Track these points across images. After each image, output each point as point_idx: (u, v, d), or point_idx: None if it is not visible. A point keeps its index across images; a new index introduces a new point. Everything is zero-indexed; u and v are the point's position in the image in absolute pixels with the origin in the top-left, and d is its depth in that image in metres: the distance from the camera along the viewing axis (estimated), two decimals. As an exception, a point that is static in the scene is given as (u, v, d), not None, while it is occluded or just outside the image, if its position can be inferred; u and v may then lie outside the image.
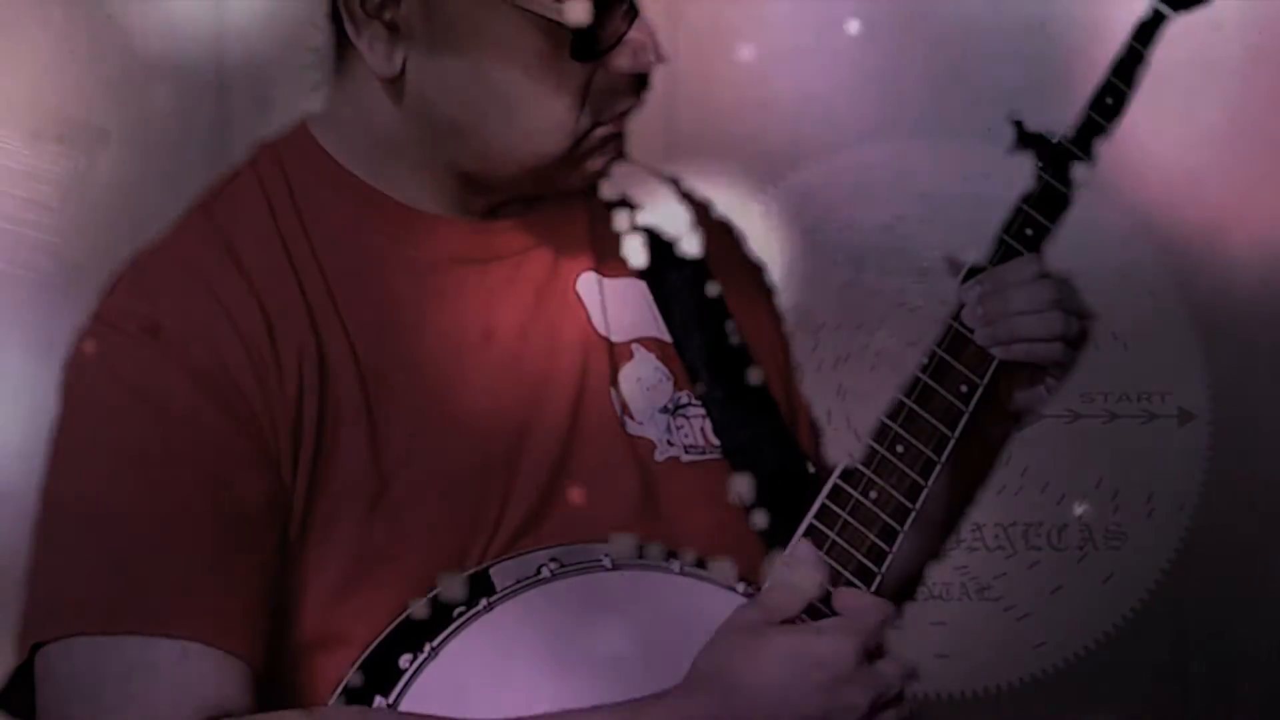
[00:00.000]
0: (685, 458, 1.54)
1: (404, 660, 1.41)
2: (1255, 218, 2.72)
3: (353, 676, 1.42)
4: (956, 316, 1.56)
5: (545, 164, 1.46)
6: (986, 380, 1.54)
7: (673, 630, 1.44)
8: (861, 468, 1.51)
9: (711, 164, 2.63)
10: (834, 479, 1.50)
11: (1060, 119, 1.61)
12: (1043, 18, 2.68)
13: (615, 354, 1.55)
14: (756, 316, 1.64)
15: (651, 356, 1.56)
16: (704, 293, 1.60)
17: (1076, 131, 1.59)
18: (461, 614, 1.42)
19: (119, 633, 1.37)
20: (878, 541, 1.49)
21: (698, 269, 1.60)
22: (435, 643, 1.40)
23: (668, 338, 1.58)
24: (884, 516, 1.50)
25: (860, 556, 1.49)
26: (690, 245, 1.61)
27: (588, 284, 1.56)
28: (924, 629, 2.63)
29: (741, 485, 1.54)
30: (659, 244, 1.60)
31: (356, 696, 1.42)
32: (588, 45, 1.42)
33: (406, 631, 1.42)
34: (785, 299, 1.72)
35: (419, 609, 1.42)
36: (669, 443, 1.54)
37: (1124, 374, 2.70)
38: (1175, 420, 2.72)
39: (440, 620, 1.42)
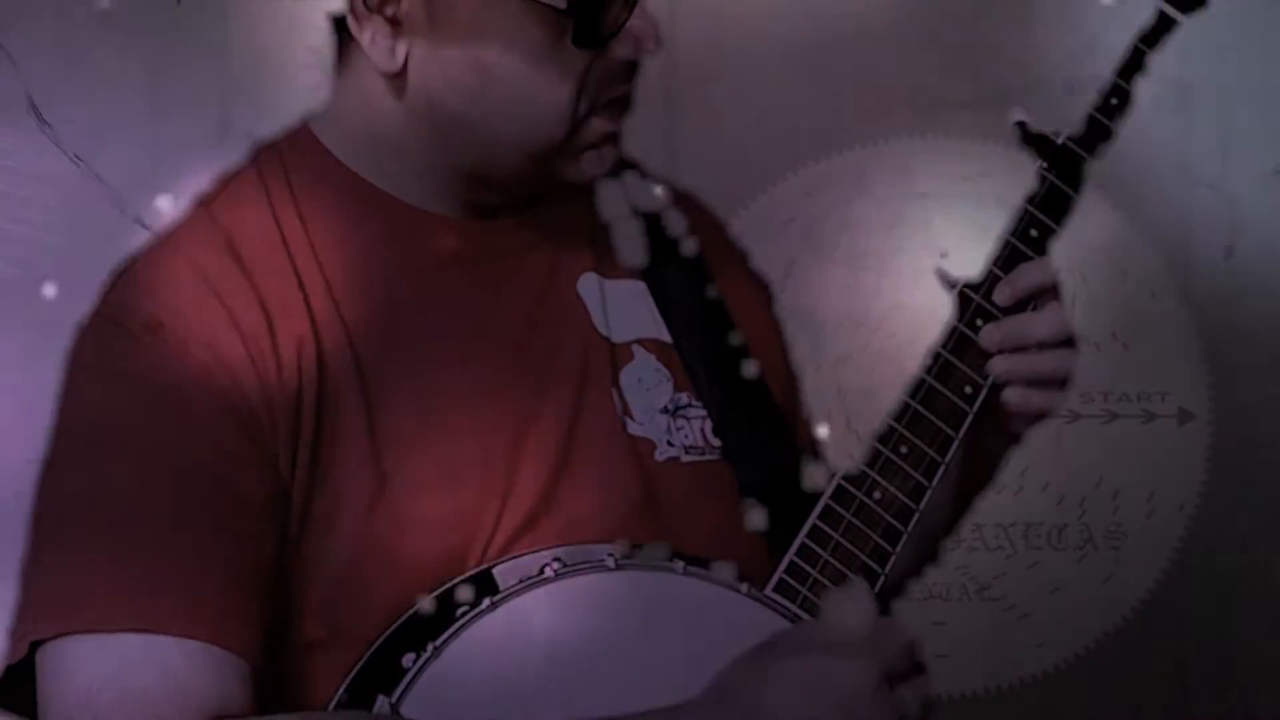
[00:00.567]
0: (685, 458, 1.54)
1: (407, 659, 1.40)
2: (1255, 217, 2.72)
3: (354, 675, 1.42)
4: (960, 318, 1.55)
5: (545, 153, 1.46)
6: (990, 381, 1.54)
7: (676, 631, 1.43)
8: (865, 468, 1.51)
9: (712, 164, 2.63)
10: (837, 479, 1.51)
11: (1062, 119, 1.61)
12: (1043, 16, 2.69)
13: (616, 354, 1.55)
14: (755, 318, 1.64)
15: (652, 357, 1.56)
16: (703, 294, 1.60)
17: (1081, 132, 1.58)
18: (465, 613, 1.42)
19: (118, 630, 1.37)
20: (881, 542, 1.50)
21: (697, 270, 1.61)
22: (438, 642, 1.40)
23: (668, 338, 1.58)
24: (888, 517, 1.50)
25: (864, 557, 1.49)
26: (689, 246, 1.61)
27: (588, 284, 1.56)
28: (924, 629, 2.62)
29: (757, 518, 1.54)
30: (658, 245, 1.60)
31: (358, 695, 1.42)
32: (590, 33, 1.42)
33: (409, 630, 1.42)
34: (785, 299, 1.72)
35: (425, 604, 1.42)
36: (669, 443, 1.54)
37: (1124, 374, 2.70)
38: (1175, 420, 2.72)
39: (444, 619, 1.42)
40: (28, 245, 2.48)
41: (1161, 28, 1.59)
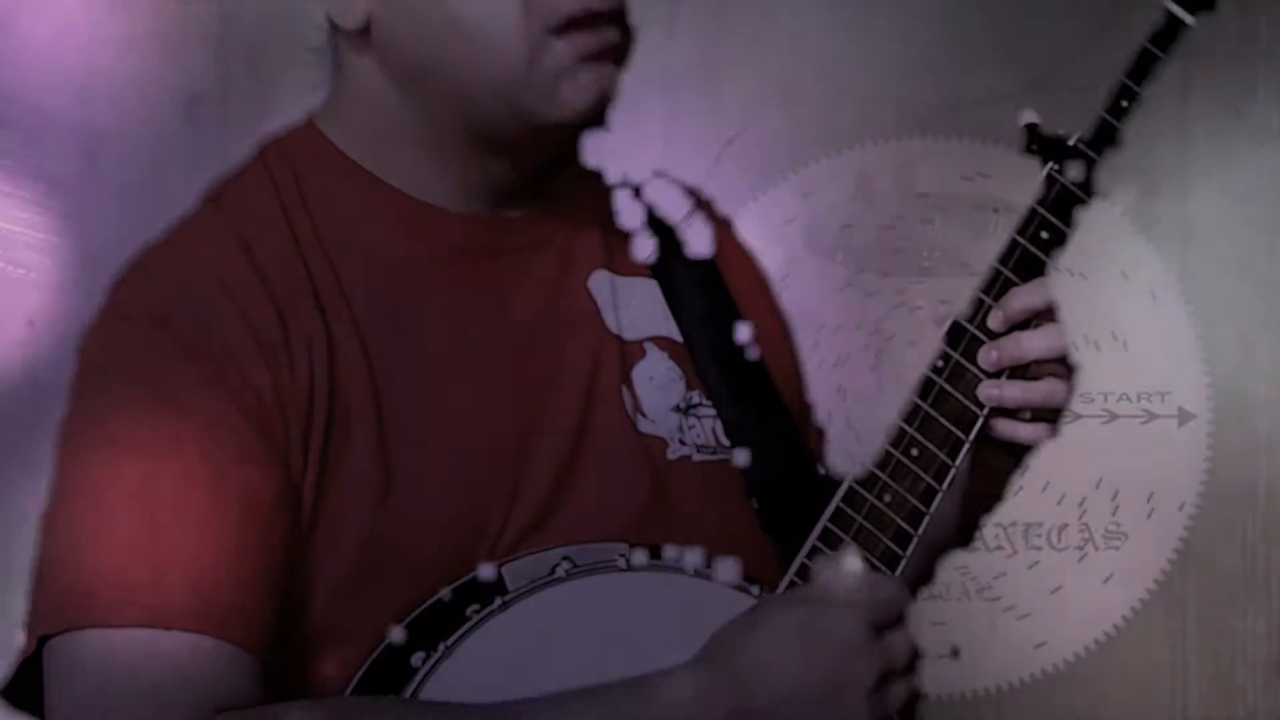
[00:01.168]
0: (697, 457, 1.54)
1: (416, 659, 1.40)
2: (1255, 217, 2.72)
3: (363, 673, 1.42)
4: (970, 319, 1.54)
5: (514, 88, 1.44)
6: (1004, 380, 1.53)
7: (686, 633, 1.43)
8: (876, 471, 1.51)
9: (712, 164, 2.63)
10: (848, 482, 1.50)
11: (1065, 119, 1.61)
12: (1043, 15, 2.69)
13: (627, 352, 1.54)
14: (764, 321, 1.64)
15: (664, 355, 1.56)
16: (714, 293, 1.60)
17: (1092, 134, 1.57)
18: (476, 612, 1.41)
19: (126, 625, 1.36)
20: (891, 545, 1.49)
21: (708, 269, 1.60)
22: (449, 642, 1.40)
23: (679, 337, 1.57)
24: (898, 520, 1.50)
25: (874, 560, 1.49)
26: (699, 245, 1.61)
27: (600, 281, 1.55)
28: (924, 629, 2.62)
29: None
30: (669, 243, 1.60)
31: (367, 694, 1.41)
32: None
33: (418, 628, 1.42)
34: (785, 299, 1.72)
35: (441, 598, 1.43)
36: (680, 442, 1.54)
37: (1124, 374, 2.71)
38: (1175, 420, 2.72)
39: (454, 619, 1.41)
40: (28, 245, 2.48)
41: (1171, 29, 1.58)
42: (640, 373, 1.54)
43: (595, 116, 1.47)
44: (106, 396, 1.42)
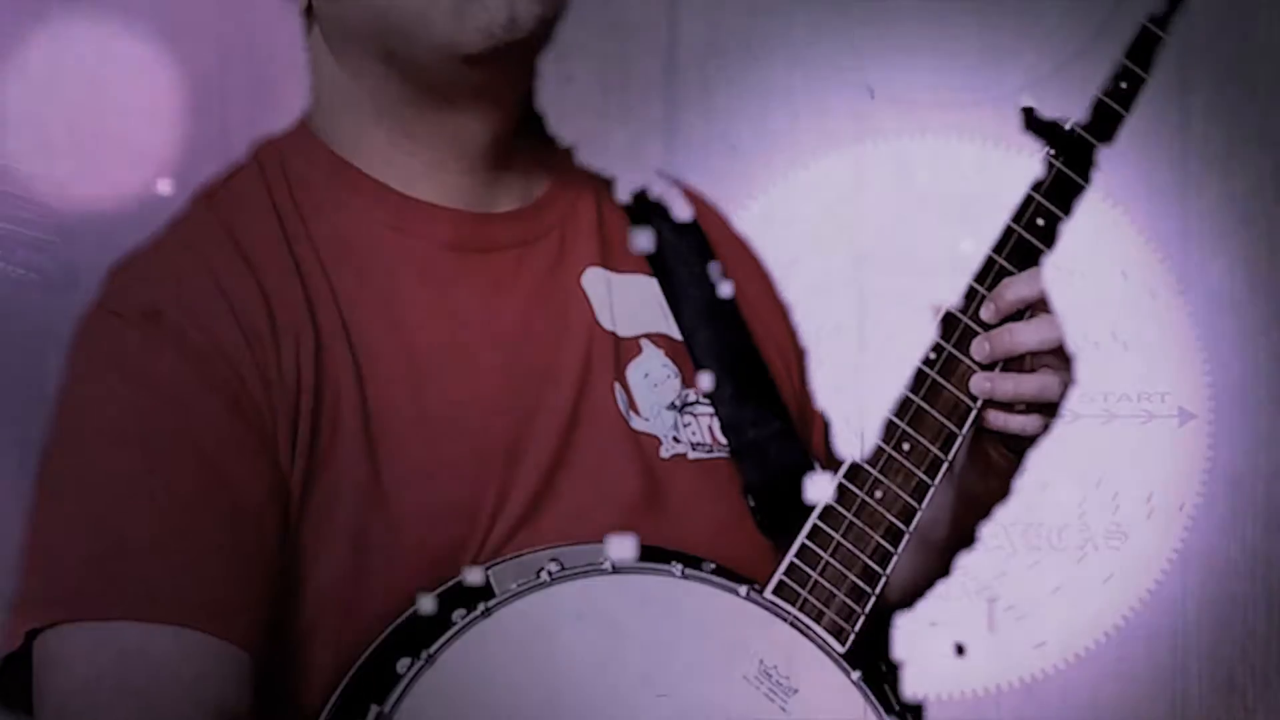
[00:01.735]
0: (692, 455, 1.53)
1: (401, 664, 1.40)
2: (1255, 217, 2.72)
3: (349, 679, 1.42)
4: (963, 309, 1.53)
5: (424, 19, 1.43)
6: (997, 372, 1.52)
7: (673, 635, 1.43)
8: (866, 466, 1.49)
9: (712, 164, 2.63)
10: (838, 479, 1.49)
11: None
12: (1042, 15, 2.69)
13: (622, 349, 1.54)
14: (766, 316, 1.63)
15: (660, 352, 1.56)
16: (714, 290, 1.59)
17: (1090, 118, 1.54)
18: (461, 617, 1.41)
19: (115, 619, 1.37)
20: (883, 543, 1.48)
21: (708, 266, 1.60)
22: (432, 650, 1.39)
23: (677, 334, 1.57)
24: (889, 517, 1.48)
25: (865, 558, 1.48)
26: (699, 242, 1.61)
27: (594, 278, 1.55)
28: (924, 629, 2.62)
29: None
30: (668, 240, 1.60)
31: (352, 697, 1.41)
32: None
33: (404, 633, 1.42)
34: (786, 299, 1.72)
35: (424, 604, 1.42)
36: (675, 440, 1.54)
37: (1124, 374, 2.70)
38: (1175, 420, 2.72)
39: (439, 625, 1.41)
40: (28, 245, 2.48)
41: (1171, 8, 1.55)
42: (634, 370, 1.54)
43: (523, 43, 1.45)
44: (96, 391, 1.42)
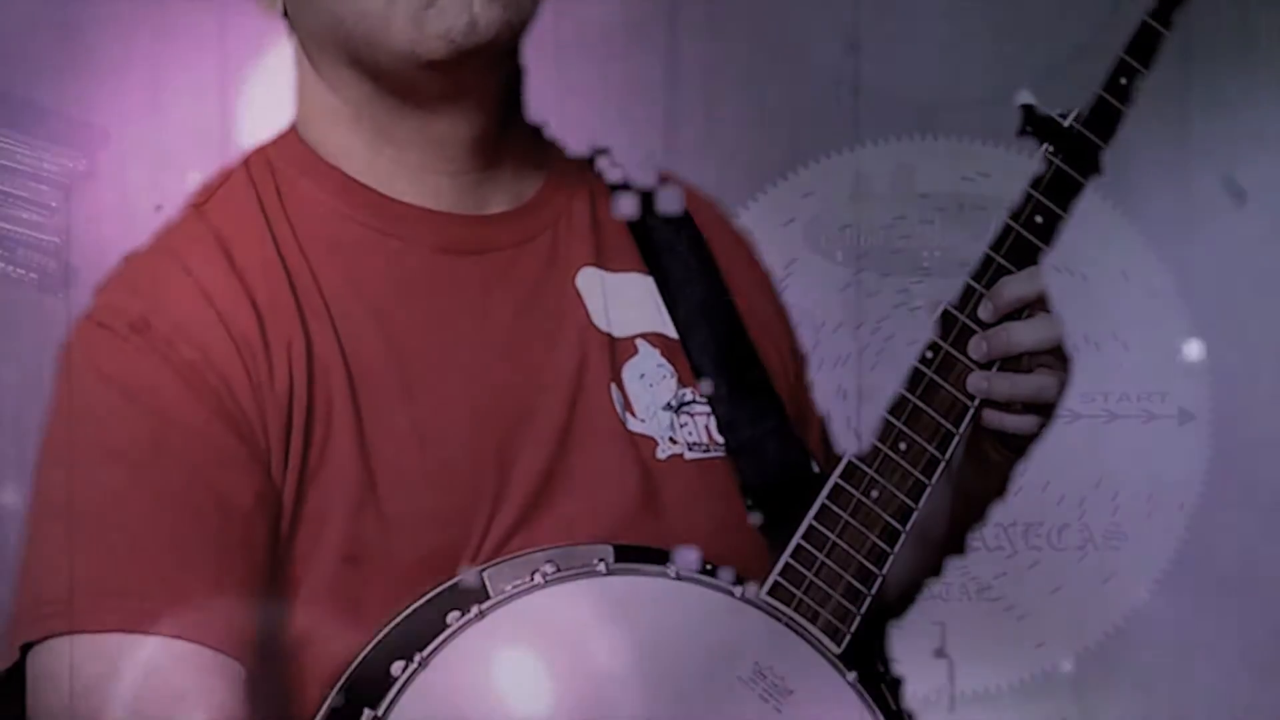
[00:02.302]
0: (689, 455, 1.53)
1: (395, 667, 1.39)
2: (1255, 217, 2.72)
3: (343, 682, 1.42)
4: (961, 307, 1.52)
5: (384, 28, 1.43)
6: (993, 372, 1.51)
7: (668, 636, 1.43)
8: (863, 465, 1.49)
9: (712, 164, 2.63)
10: (834, 478, 1.49)
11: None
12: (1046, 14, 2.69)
13: (617, 350, 1.54)
14: (762, 314, 1.63)
15: (656, 352, 1.55)
16: (711, 289, 1.59)
17: (1090, 114, 1.53)
18: (453, 620, 1.41)
19: (105, 630, 1.37)
20: (879, 542, 1.47)
21: (704, 265, 1.60)
22: (425, 653, 1.39)
23: (673, 334, 1.56)
24: (886, 517, 1.48)
25: (861, 558, 1.47)
26: (696, 240, 1.60)
27: (588, 278, 1.55)
28: (924, 629, 2.62)
29: (758, 518, 1.52)
30: (665, 239, 1.59)
31: (348, 699, 1.41)
32: None
33: (399, 636, 1.41)
34: (785, 299, 1.72)
35: (416, 607, 1.42)
36: (672, 440, 1.53)
37: (1124, 374, 2.70)
38: (1175, 420, 2.72)
39: (432, 628, 1.40)
40: (28, 245, 2.48)
41: (1172, 4, 1.54)
42: (630, 370, 1.54)
43: (486, 48, 1.44)
44: (86, 402, 1.42)
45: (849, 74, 2.68)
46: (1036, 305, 1.52)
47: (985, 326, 1.51)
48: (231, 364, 1.41)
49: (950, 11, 2.69)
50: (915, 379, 1.51)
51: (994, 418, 1.52)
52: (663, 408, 1.54)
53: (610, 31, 2.59)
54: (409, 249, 1.50)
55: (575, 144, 1.62)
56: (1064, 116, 1.53)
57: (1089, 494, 2.72)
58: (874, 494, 1.48)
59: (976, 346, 1.51)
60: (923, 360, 1.51)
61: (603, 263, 1.56)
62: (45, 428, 1.44)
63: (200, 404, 1.40)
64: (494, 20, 1.43)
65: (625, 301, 1.55)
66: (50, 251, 2.47)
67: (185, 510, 1.39)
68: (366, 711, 1.37)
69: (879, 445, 1.49)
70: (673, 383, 1.55)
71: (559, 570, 1.42)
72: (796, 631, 1.45)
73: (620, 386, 1.52)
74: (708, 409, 1.56)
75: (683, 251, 1.59)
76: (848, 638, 1.46)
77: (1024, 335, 1.51)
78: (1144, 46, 1.53)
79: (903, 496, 1.48)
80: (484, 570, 1.43)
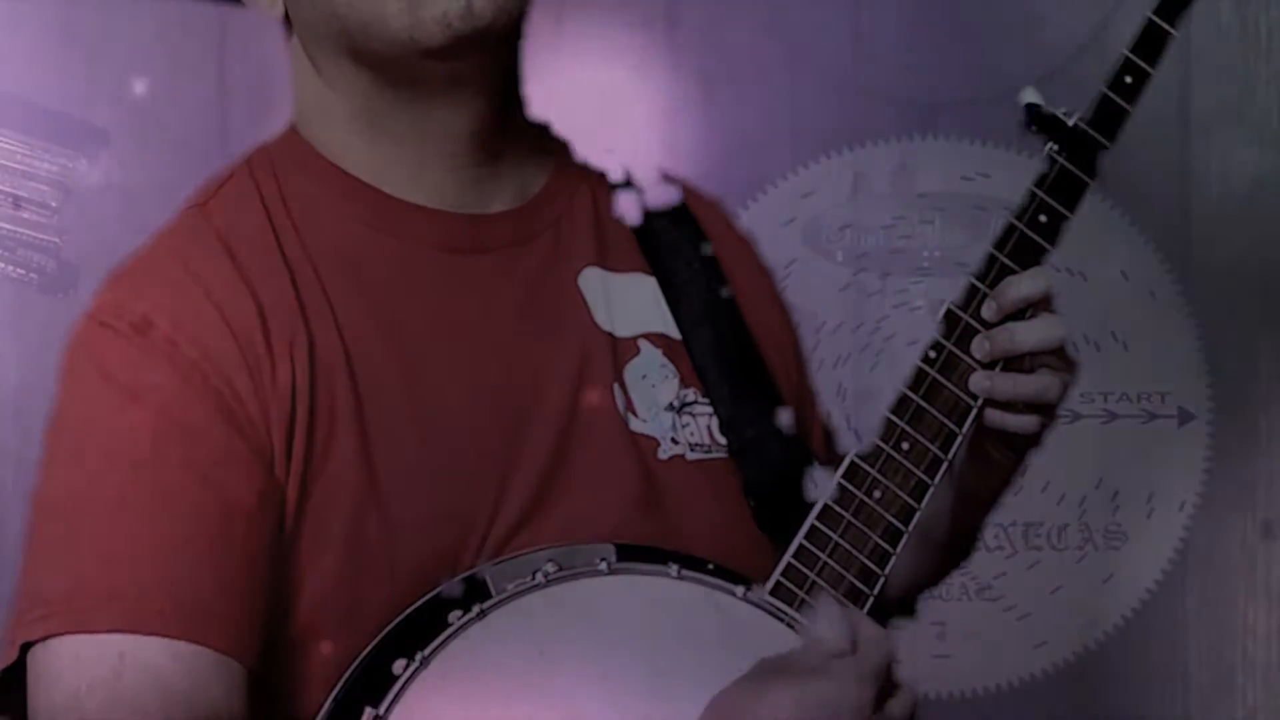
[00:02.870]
0: (690, 456, 1.53)
1: (397, 666, 1.39)
2: (1255, 217, 2.72)
3: (345, 681, 1.42)
4: (965, 306, 1.52)
5: (381, 16, 1.43)
6: (999, 370, 1.51)
7: (670, 636, 1.43)
8: (865, 466, 1.49)
9: (712, 164, 2.63)
10: (836, 478, 1.49)
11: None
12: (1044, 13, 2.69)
13: (619, 349, 1.54)
14: (765, 314, 1.63)
15: (658, 352, 1.55)
16: (714, 289, 1.59)
17: (1095, 113, 1.53)
18: (455, 619, 1.41)
19: (106, 631, 1.37)
20: (881, 543, 1.47)
21: (707, 265, 1.60)
22: (426, 652, 1.39)
23: (676, 334, 1.56)
24: (888, 517, 1.48)
25: (863, 558, 1.47)
26: (699, 241, 1.60)
27: (590, 278, 1.55)
28: (924, 629, 2.62)
29: (761, 518, 1.52)
30: (667, 239, 1.59)
31: (349, 698, 1.41)
32: None
33: (402, 634, 1.41)
34: (785, 299, 1.71)
35: (426, 604, 1.42)
36: (673, 440, 1.53)
37: (1124, 374, 2.70)
38: (1175, 420, 2.72)
39: (433, 627, 1.41)
40: (28, 245, 2.48)
41: (1177, 3, 1.54)
42: (632, 371, 1.54)
43: (484, 32, 1.44)
44: (88, 402, 1.42)
45: (849, 74, 2.68)
46: (1040, 305, 1.52)
47: (989, 326, 1.51)
48: (234, 363, 1.41)
49: (950, 11, 2.69)
50: (918, 378, 1.51)
51: (996, 417, 1.52)
52: (665, 408, 1.54)
53: (611, 31, 2.59)
54: (410, 248, 1.50)
55: (575, 143, 1.62)
56: (1068, 115, 1.53)
57: (1089, 494, 2.71)
58: (876, 494, 1.48)
59: (979, 346, 1.51)
60: (926, 359, 1.51)
61: (605, 263, 1.56)
62: (47, 426, 1.44)
63: (203, 403, 1.40)
64: (490, 4, 1.43)
65: (628, 302, 1.55)
66: (50, 251, 2.47)
67: (187, 510, 1.39)
68: (368, 710, 1.37)
69: (881, 445, 1.49)
70: (675, 383, 1.55)
71: (561, 570, 1.42)
72: (799, 631, 1.45)
73: (622, 387, 1.53)
74: (710, 409, 1.56)
75: (685, 252, 1.59)
76: (850, 638, 1.46)
77: (1027, 335, 1.51)
78: (1149, 46, 1.53)
79: (905, 496, 1.48)
80: (486, 569, 1.43)
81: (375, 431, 1.44)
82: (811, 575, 1.47)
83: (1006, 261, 1.52)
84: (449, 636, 1.39)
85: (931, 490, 1.49)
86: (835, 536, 1.47)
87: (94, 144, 2.51)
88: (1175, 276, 2.72)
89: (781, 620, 1.45)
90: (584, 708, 1.39)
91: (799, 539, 1.47)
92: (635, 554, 1.46)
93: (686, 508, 1.51)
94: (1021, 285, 1.51)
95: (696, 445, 1.54)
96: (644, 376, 1.54)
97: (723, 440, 1.55)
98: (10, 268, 2.47)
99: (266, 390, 1.42)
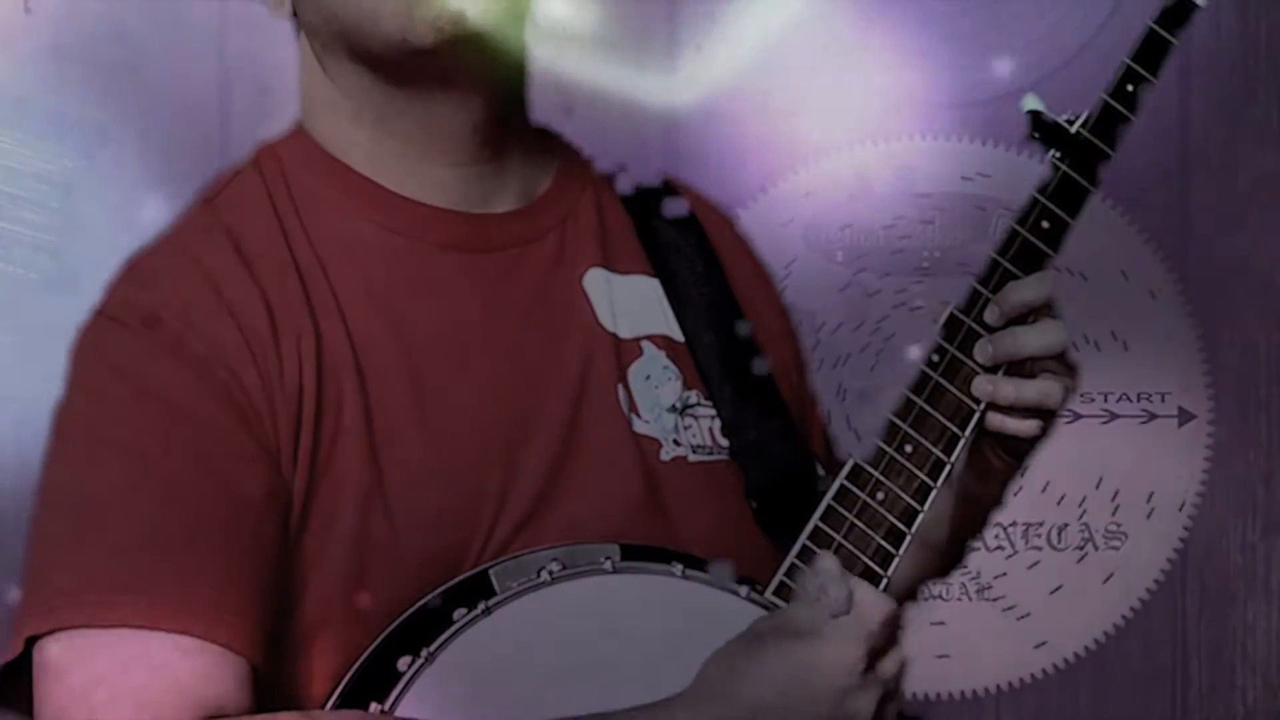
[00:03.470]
0: (692, 458, 1.53)
1: (402, 663, 1.40)
2: (1255, 217, 2.72)
3: (349, 677, 1.42)
4: (967, 311, 1.51)
5: (371, 13, 1.44)
6: (1002, 374, 1.51)
7: (674, 635, 1.43)
8: (868, 468, 1.49)
9: (712, 164, 2.63)
10: (840, 479, 1.48)
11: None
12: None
13: (623, 351, 1.54)
14: (767, 317, 1.63)
15: (661, 354, 1.55)
16: (716, 291, 1.59)
17: (1096, 120, 1.52)
18: (460, 617, 1.41)
19: (114, 626, 1.36)
20: (884, 544, 1.47)
21: (710, 267, 1.60)
22: (432, 649, 1.39)
23: (679, 336, 1.56)
24: (891, 518, 1.48)
25: (866, 559, 1.47)
26: (701, 242, 1.60)
27: (595, 279, 1.55)
28: (924, 629, 2.62)
29: (763, 520, 1.53)
30: (670, 241, 1.60)
31: (353, 695, 1.41)
32: None
33: (406, 632, 1.41)
34: (785, 299, 1.72)
35: (430, 601, 1.42)
36: (676, 442, 1.53)
37: (1124, 374, 2.70)
38: (1175, 420, 2.72)
39: (439, 624, 1.41)
40: (28, 245, 2.48)
41: (1180, 9, 1.53)
42: (636, 372, 1.54)
43: (477, 35, 1.44)
44: (97, 398, 1.42)
45: (849, 74, 2.68)
46: (1042, 310, 1.52)
47: (991, 330, 1.51)
48: (242, 359, 1.41)
49: (951, 11, 2.69)
50: (921, 381, 1.50)
51: (997, 420, 1.52)
52: (667, 409, 1.54)
53: (611, 30, 2.59)
54: (415, 246, 1.50)
55: (576, 143, 1.62)
56: (1070, 122, 1.53)
57: (1089, 494, 2.72)
58: (879, 496, 1.48)
59: (982, 350, 1.51)
60: (928, 363, 1.51)
61: (609, 264, 1.56)
62: (55, 421, 1.44)
63: (210, 398, 1.40)
64: (483, 10, 1.44)
65: (631, 303, 1.55)
66: (50, 251, 2.47)
67: (195, 505, 1.39)
68: (373, 705, 1.37)
69: (884, 447, 1.49)
70: (678, 385, 1.55)
71: (565, 568, 1.42)
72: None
73: (626, 388, 1.53)
74: (712, 411, 1.56)
75: (689, 254, 1.59)
76: (851, 638, 1.46)
77: (1030, 340, 1.51)
78: (1151, 54, 1.53)
79: (908, 499, 1.48)
80: (490, 568, 1.43)
81: (381, 430, 1.44)
82: None
83: (1009, 266, 1.51)
84: (454, 634, 1.39)
85: (934, 493, 1.49)
86: (838, 538, 1.47)
87: (94, 144, 2.51)
88: (1175, 276, 2.72)
89: (783, 621, 1.46)
90: (587, 706, 1.39)
91: (802, 540, 1.47)
92: (639, 553, 1.46)
93: (688, 509, 1.51)
94: (1024, 290, 1.51)
95: (699, 447, 1.54)
96: (647, 378, 1.54)
97: (724, 442, 1.55)
98: (10, 268, 2.47)
99: (274, 386, 1.42)
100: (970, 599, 2.71)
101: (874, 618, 1.39)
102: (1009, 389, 1.50)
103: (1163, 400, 2.72)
